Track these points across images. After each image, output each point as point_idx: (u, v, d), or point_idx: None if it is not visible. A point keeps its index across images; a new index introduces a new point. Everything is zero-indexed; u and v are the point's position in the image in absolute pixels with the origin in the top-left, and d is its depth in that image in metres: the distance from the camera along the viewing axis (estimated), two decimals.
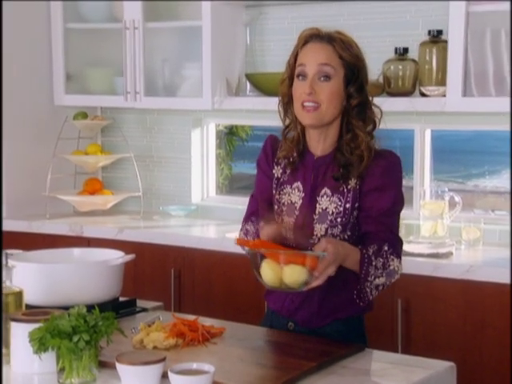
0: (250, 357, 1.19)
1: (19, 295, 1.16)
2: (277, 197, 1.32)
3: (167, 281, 2.22)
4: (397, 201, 1.30)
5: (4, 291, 1.14)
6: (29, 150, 2.55)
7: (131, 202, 2.66)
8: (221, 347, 1.22)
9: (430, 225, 2.16)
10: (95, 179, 2.71)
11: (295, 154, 1.31)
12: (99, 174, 2.77)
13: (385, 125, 1.34)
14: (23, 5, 2.51)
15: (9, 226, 2.43)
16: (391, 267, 1.24)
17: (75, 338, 1.01)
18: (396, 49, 2.18)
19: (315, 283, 1.16)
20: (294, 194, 1.30)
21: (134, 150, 2.65)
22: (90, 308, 1.09)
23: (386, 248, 1.24)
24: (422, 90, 2.14)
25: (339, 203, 1.26)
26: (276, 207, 1.32)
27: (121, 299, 1.46)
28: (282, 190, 1.32)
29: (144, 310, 1.45)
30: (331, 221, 1.26)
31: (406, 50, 2.18)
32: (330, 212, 1.26)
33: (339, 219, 1.26)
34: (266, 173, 1.35)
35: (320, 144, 1.30)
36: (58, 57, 2.59)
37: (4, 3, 2.44)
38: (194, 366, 1.03)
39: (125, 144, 2.65)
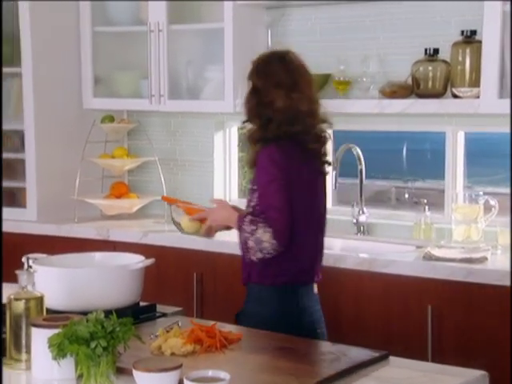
0: (268, 364, 1.19)
1: (40, 300, 1.19)
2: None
3: (190, 285, 2.25)
4: (265, 185, 1.56)
5: (25, 296, 1.18)
6: (59, 154, 2.63)
7: (155, 206, 2.71)
8: (238, 354, 1.23)
9: (463, 229, 2.12)
10: (121, 183, 2.77)
11: None
12: (125, 177, 2.84)
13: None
14: (53, 7, 2.58)
15: (39, 229, 2.52)
16: (257, 235, 1.50)
17: (93, 344, 1.03)
18: (426, 50, 2.16)
19: (202, 230, 1.62)
20: None
21: (159, 153, 2.70)
22: (109, 313, 1.11)
23: (260, 220, 1.52)
24: (454, 91, 2.11)
25: (250, 185, 1.66)
26: None
27: (141, 304, 1.48)
28: None
29: (164, 315, 1.48)
30: (248, 199, 1.65)
31: (436, 51, 2.15)
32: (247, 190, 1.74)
33: (248, 197, 1.65)
34: None
35: None
36: (86, 60, 2.66)
37: (35, 5, 2.52)
38: (210, 373, 1.05)
39: (150, 147, 2.70)
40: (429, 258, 1.96)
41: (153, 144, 2.70)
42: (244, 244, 1.52)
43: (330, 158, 1.66)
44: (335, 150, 2.45)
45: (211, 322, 1.32)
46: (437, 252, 1.99)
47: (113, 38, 2.69)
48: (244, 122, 1.62)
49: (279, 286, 1.54)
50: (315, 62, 2.48)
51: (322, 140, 1.59)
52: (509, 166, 2.13)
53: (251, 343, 1.29)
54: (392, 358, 1.25)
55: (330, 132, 1.66)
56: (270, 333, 1.37)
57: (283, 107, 1.54)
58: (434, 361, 1.77)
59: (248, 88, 1.59)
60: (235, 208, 1.65)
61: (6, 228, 2.53)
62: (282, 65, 1.59)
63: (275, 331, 1.39)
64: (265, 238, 1.49)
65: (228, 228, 1.64)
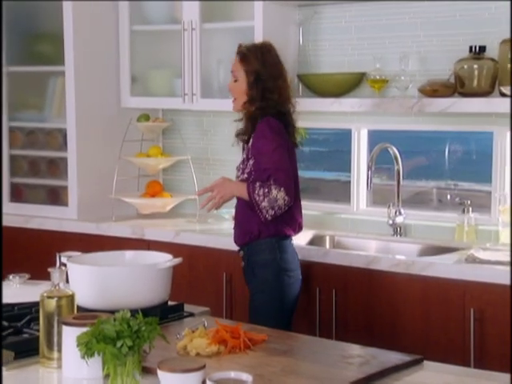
0: (292, 367, 1.19)
1: (71, 298, 1.23)
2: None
3: (219, 285, 2.28)
4: (270, 153, 1.86)
5: (57, 294, 1.22)
6: (98, 152, 2.70)
7: (188, 205, 2.75)
8: (262, 355, 1.24)
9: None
10: (156, 181, 2.83)
11: None
12: (160, 176, 2.89)
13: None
14: (94, 6, 2.65)
15: (79, 227, 2.60)
16: (271, 196, 1.82)
17: (119, 344, 1.05)
18: (471, 47, 2.11)
19: (211, 203, 1.91)
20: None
21: (192, 152, 2.75)
22: (136, 312, 1.12)
23: (271, 182, 1.84)
24: (503, 90, 2.05)
25: (244, 156, 1.95)
26: None
27: (170, 303, 1.51)
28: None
29: (191, 314, 1.50)
30: (239, 165, 1.95)
31: (482, 49, 2.09)
32: (241, 160, 1.97)
33: (242, 164, 1.93)
34: None
35: None
36: (124, 59, 2.73)
37: (77, 5, 2.61)
38: (232, 374, 1.06)
39: (183, 146, 2.75)
40: (472, 260, 1.93)
41: (186, 143, 2.75)
42: (257, 206, 1.83)
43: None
44: (370, 149, 2.43)
45: (237, 323, 1.34)
46: (481, 254, 1.94)
47: (148, 37, 2.74)
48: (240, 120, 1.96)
49: (290, 235, 1.91)
50: (349, 61, 2.48)
51: (294, 121, 1.95)
52: None
53: (276, 345, 1.29)
54: (426, 363, 1.21)
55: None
56: (296, 334, 1.38)
57: (284, 92, 1.90)
58: (476, 366, 1.73)
59: (246, 76, 1.91)
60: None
61: (48, 226, 2.66)
62: (277, 55, 1.94)
63: (292, 272, 1.86)
64: (279, 196, 1.80)
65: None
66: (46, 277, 1.58)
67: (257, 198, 1.82)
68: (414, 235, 2.34)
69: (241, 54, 1.94)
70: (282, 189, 1.81)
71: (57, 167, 2.74)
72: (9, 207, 2.78)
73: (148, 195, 2.76)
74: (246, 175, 1.89)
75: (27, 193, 2.81)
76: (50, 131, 2.75)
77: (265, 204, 1.82)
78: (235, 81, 1.95)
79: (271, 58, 1.92)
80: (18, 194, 2.82)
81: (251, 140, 1.90)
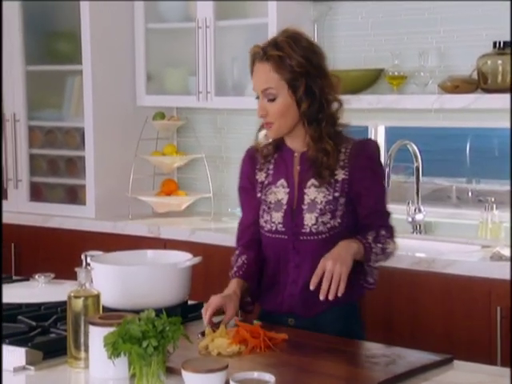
0: (314, 367, 1.19)
1: (97, 298, 1.26)
2: (263, 197, 1.48)
3: None
4: (384, 183, 1.48)
5: (84, 294, 1.25)
6: (115, 151, 2.73)
7: (203, 203, 2.78)
8: (283, 355, 1.25)
9: None
10: (171, 180, 2.86)
11: (270, 147, 1.50)
12: (174, 174, 2.93)
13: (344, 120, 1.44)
14: (110, 5, 2.68)
15: (96, 226, 2.64)
16: (388, 250, 1.41)
17: (144, 344, 1.08)
18: (495, 43, 2.11)
19: (341, 287, 1.30)
20: (279, 192, 1.46)
21: (206, 150, 2.77)
22: (159, 312, 1.16)
23: (383, 233, 1.41)
24: None
25: (327, 192, 1.41)
26: (264, 207, 1.48)
27: (189, 302, 1.55)
28: (268, 191, 1.48)
29: None
30: (321, 209, 1.41)
31: (507, 44, 2.10)
32: (319, 201, 1.41)
33: (328, 207, 1.40)
34: (250, 193, 1.52)
35: (294, 143, 1.47)
36: (140, 57, 2.75)
37: (94, 5, 2.64)
38: (255, 375, 1.09)
39: (197, 144, 2.77)
40: (498, 258, 1.93)
41: (200, 141, 2.78)
42: (368, 268, 1.39)
43: None
44: (387, 147, 2.43)
45: (256, 322, 1.36)
46: (507, 252, 1.94)
47: (163, 35, 2.77)
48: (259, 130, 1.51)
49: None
50: (366, 57, 2.48)
51: None
52: None
53: (296, 344, 1.29)
54: (456, 362, 1.19)
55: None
56: (316, 334, 1.37)
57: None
58: (502, 364, 1.73)
59: (290, 87, 1.38)
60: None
61: (67, 225, 2.71)
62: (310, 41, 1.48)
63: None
64: (394, 249, 1.43)
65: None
66: (67, 276, 1.62)
67: (376, 258, 1.38)
68: (434, 233, 2.35)
69: (273, 59, 1.38)
70: (393, 237, 1.41)
71: (75, 166, 2.78)
72: (28, 206, 2.83)
73: (163, 194, 2.80)
74: (338, 220, 1.39)
75: (46, 192, 2.86)
76: (68, 130, 2.79)
77: (382, 262, 1.40)
78: (271, 100, 1.40)
79: (314, 50, 1.41)
80: (38, 193, 2.87)
81: (345, 171, 1.39)
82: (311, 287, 1.31)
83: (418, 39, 2.34)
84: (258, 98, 1.45)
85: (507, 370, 1.19)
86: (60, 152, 2.82)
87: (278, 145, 1.49)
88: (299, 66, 1.39)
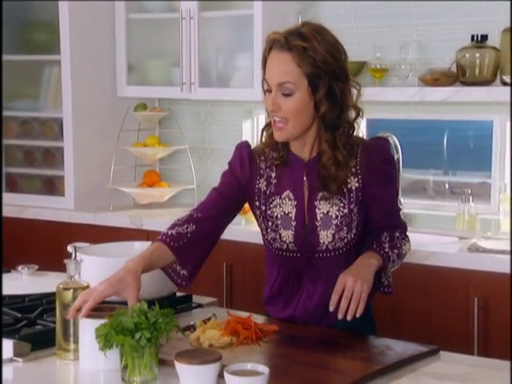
0: (305, 358, 1.19)
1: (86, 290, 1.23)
2: (268, 212, 1.31)
3: (219, 275, 2.30)
4: (396, 185, 1.35)
5: (73, 285, 1.23)
6: (94, 142, 2.70)
7: (185, 195, 2.76)
8: (273, 347, 1.25)
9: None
10: (153, 171, 2.84)
11: (277, 152, 1.30)
12: (157, 166, 2.90)
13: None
14: None
15: (76, 217, 2.61)
16: (403, 252, 1.31)
17: (137, 335, 1.07)
18: (473, 36, 2.14)
19: (360, 307, 1.20)
20: (285, 205, 1.29)
21: (189, 141, 2.75)
22: (150, 304, 1.16)
23: (397, 235, 1.29)
24: (505, 78, 2.08)
25: (341, 205, 1.26)
26: (268, 223, 1.31)
27: (178, 294, 1.54)
28: (272, 203, 1.31)
29: (200, 305, 1.53)
30: (337, 225, 1.26)
31: (484, 37, 2.12)
32: (334, 216, 1.26)
33: (344, 221, 1.26)
34: (236, 176, 1.36)
35: (303, 149, 1.30)
36: (120, 47, 2.72)
37: None
38: (249, 366, 1.09)
39: (180, 136, 2.75)
40: (475, 249, 1.96)
41: (183, 132, 2.76)
42: (384, 276, 1.29)
43: None
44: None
45: (246, 314, 1.36)
46: (484, 243, 1.97)
47: (145, 26, 2.74)
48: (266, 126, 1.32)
49: None
50: (349, 50, 2.46)
51: None
52: None
53: (287, 336, 1.30)
54: (443, 353, 1.20)
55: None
56: (307, 325, 1.37)
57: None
58: (479, 355, 1.76)
59: (310, 83, 1.22)
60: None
61: (44, 216, 2.66)
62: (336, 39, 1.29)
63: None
64: (407, 246, 1.31)
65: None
66: (46, 267, 1.59)
67: (389, 266, 1.27)
68: (413, 225, 2.38)
69: (297, 50, 1.21)
70: (407, 238, 1.31)
71: (52, 157, 2.74)
72: (4, 197, 2.77)
73: (145, 185, 2.77)
74: (354, 231, 1.27)
75: (22, 183, 2.81)
76: (46, 121, 2.75)
77: (396, 264, 1.29)
78: (286, 95, 1.23)
79: (339, 49, 1.26)
80: (13, 184, 2.82)
81: (358, 178, 1.26)
82: (331, 308, 1.20)
83: (399, 32, 2.36)
84: (268, 90, 1.25)
85: (492, 361, 1.20)
86: (37, 143, 2.77)
87: (284, 150, 1.30)
88: (324, 62, 1.22)
